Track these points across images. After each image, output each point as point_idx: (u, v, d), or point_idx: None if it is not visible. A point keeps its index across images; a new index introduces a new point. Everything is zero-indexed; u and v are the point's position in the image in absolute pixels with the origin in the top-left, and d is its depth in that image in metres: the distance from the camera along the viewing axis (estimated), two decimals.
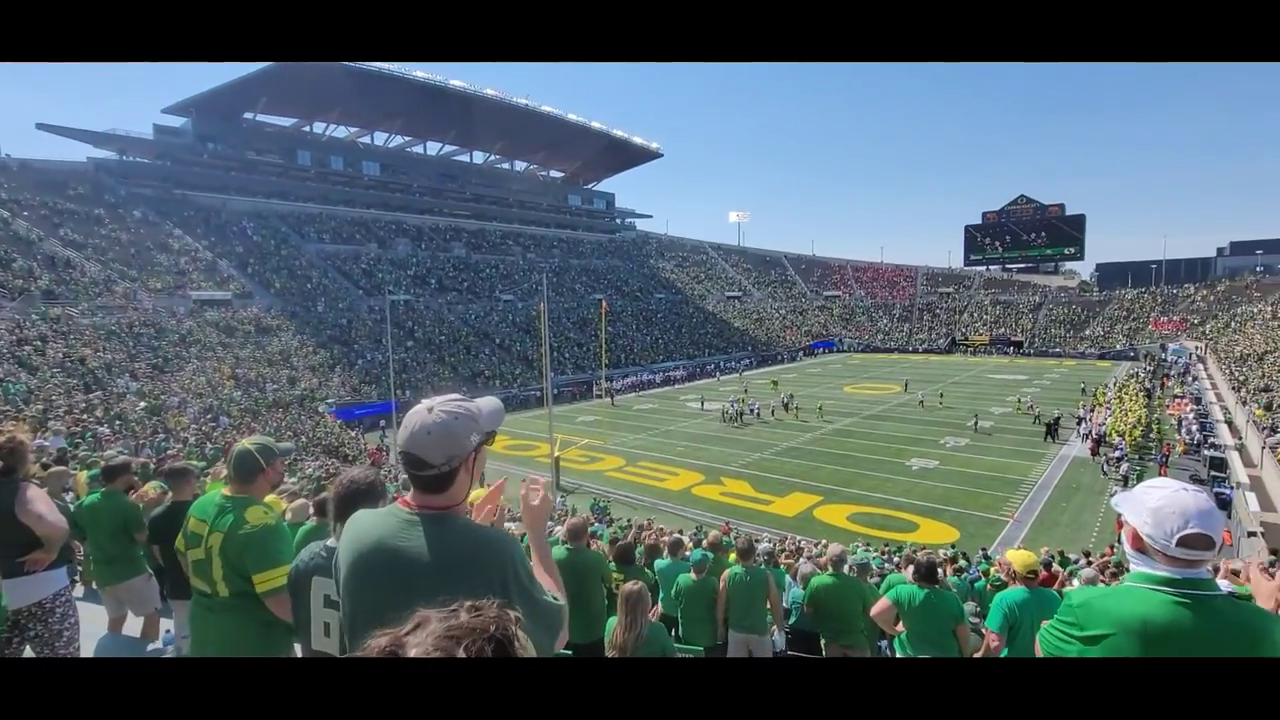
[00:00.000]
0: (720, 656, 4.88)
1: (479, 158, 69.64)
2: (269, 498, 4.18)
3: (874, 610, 4.11)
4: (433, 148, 65.57)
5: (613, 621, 3.56)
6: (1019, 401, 33.55)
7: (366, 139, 61.61)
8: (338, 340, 37.75)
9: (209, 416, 23.45)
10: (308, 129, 57.56)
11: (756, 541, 5.38)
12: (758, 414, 32.26)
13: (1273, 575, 1.41)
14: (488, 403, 1.48)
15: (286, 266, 43.33)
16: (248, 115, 52.27)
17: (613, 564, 5.21)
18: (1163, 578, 1.50)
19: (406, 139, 63.31)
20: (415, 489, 1.41)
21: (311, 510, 4.40)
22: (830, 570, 4.83)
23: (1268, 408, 23.39)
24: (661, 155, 76.41)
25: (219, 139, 49.93)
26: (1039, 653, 1.80)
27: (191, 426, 21.59)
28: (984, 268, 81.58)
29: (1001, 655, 3.68)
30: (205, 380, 27.03)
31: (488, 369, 41.25)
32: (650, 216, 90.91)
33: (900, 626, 4.09)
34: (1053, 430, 26.64)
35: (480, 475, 1.47)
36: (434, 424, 1.34)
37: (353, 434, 27.05)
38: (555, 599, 1.44)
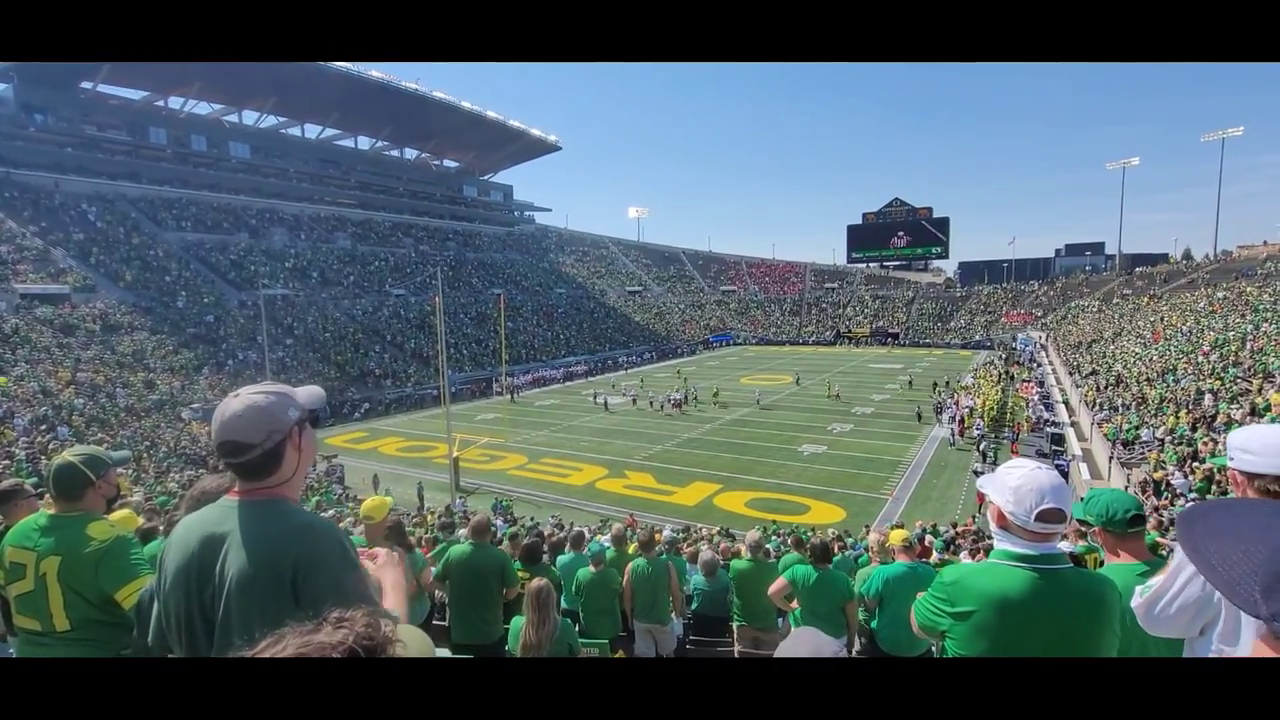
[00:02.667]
0: (628, 648, 4.92)
1: (365, 143, 65.48)
2: (122, 514, 3.72)
3: (771, 589, 4.30)
4: (311, 130, 60.82)
5: (518, 622, 3.49)
6: (829, 387, 36.78)
7: (234, 118, 56.04)
8: (203, 339, 34.19)
9: (44, 428, 20.51)
10: (162, 104, 51.46)
11: (658, 531, 5.46)
12: (666, 403, 33.43)
13: None
14: (304, 388, 1.49)
15: (139, 257, 38.60)
16: (86, 85, 45.91)
17: (518, 564, 5.11)
18: (1020, 554, 1.67)
19: (281, 119, 58.26)
20: (240, 479, 1.38)
21: (161, 528, 3.95)
22: (748, 555, 4.98)
23: (1096, 389, 26.92)
24: (560, 148, 75.50)
25: (50, 110, 43.50)
26: (914, 623, 1.96)
27: (21, 440, 18.82)
28: (864, 264, 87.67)
29: (873, 624, 4.13)
30: (38, 386, 23.57)
31: (379, 367, 39.03)
32: (549, 210, 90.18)
33: (794, 604, 4.31)
34: (938, 410, 29.58)
35: (312, 456, 1.46)
36: (245, 406, 1.33)
37: None
38: (385, 611, 1.43)
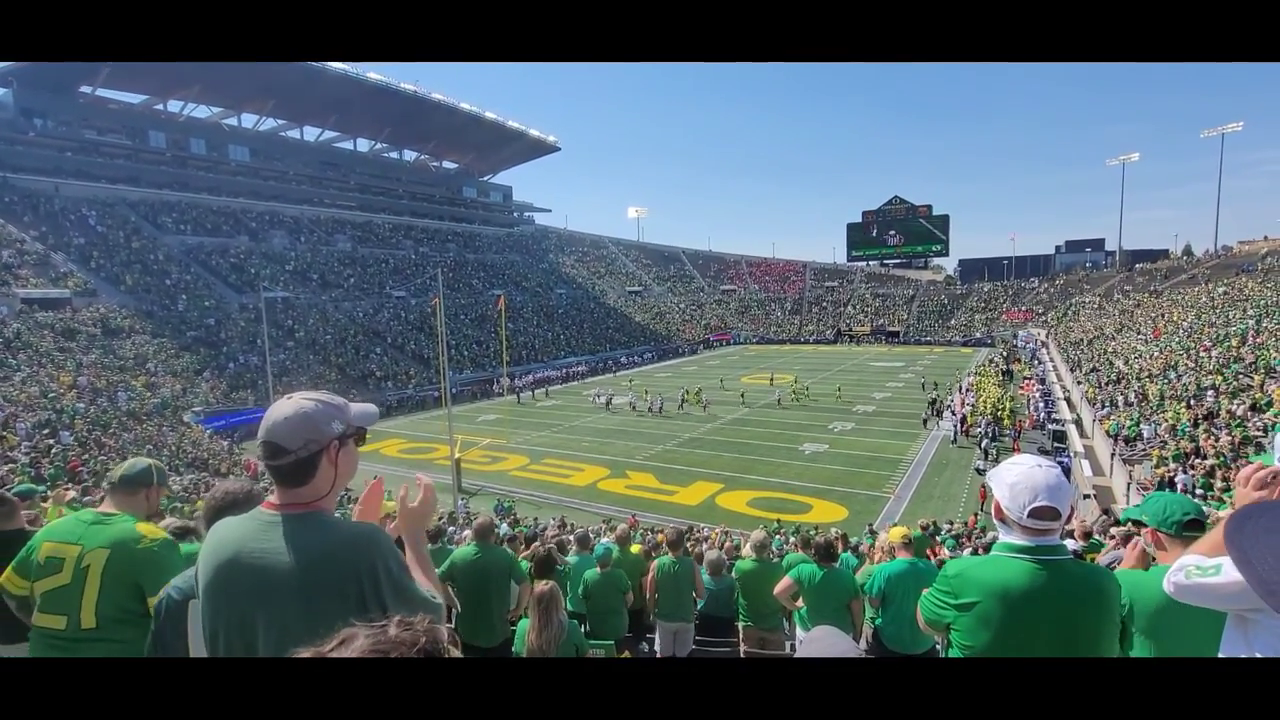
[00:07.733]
0: (632, 648, 4.93)
1: (364, 145, 65.57)
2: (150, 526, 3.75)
3: (777, 588, 4.30)
4: (310, 133, 60.95)
5: (524, 625, 3.49)
6: (788, 388, 36.43)
7: (233, 121, 56.13)
8: (204, 342, 34.22)
9: (46, 432, 20.52)
10: (161, 107, 51.53)
11: (661, 530, 5.46)
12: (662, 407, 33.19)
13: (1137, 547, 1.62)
14: (359, 404, 1.48)
15: (139, 260, 38.63)
16: (85, 89, 45.98)
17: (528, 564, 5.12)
18: (1020, 545, 1.73)
19: (280, 122, 58.34)
20: (277, 484, 1.37)
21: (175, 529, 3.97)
22: (752, 555, 4.98)
23: (1097, 385, 26.91)
24: (559, 149, 75.61)
25: (49, 114, 43.57)
26: (920, 619, 1.99)
27: (23, 444, 18.84)
28: (864, 263, 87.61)
29: (877, 621, 4.16)
30: (39, 390, 23.59)
31: (379, 369, 39.06)
32: (549, 211, 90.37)
33: (800, 603, 4.31)
34: (937, 410, 29.24)
35: (349, 474, 1.42)
36: (293, 411, 1.33)
37: (225, 444, 24.70)
38: (433, 596, 1.41)
